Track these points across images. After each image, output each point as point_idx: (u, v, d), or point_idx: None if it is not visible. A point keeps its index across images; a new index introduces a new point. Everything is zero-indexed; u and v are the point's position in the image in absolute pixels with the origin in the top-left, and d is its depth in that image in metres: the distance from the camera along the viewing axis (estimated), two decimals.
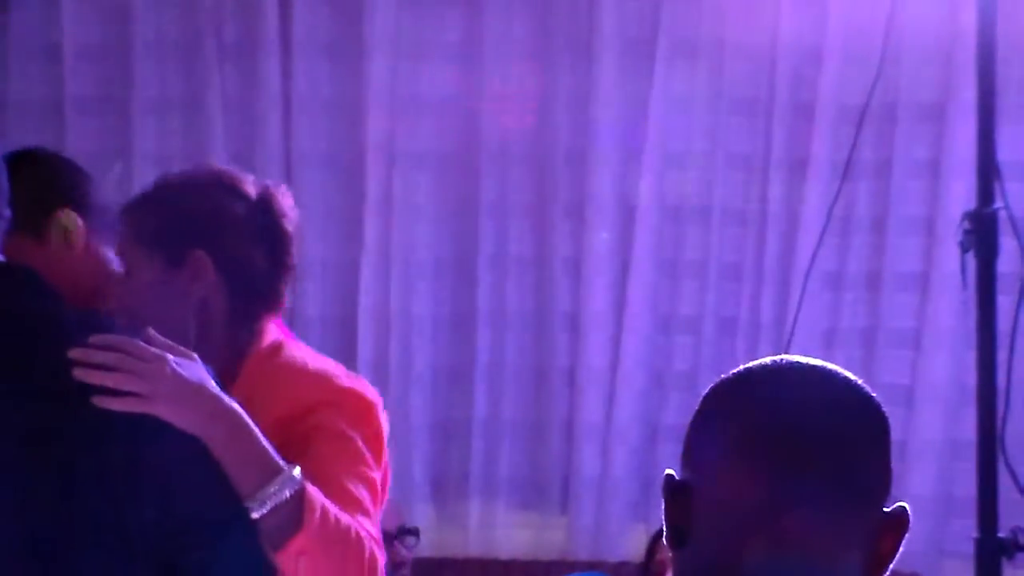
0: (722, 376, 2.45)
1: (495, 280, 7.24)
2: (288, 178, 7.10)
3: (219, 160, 6.61)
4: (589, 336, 7.01)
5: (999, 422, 5.23)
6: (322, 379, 3.99)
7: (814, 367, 2.47)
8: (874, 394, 2.35)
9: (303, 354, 4.11)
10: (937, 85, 6.70)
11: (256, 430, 3.58)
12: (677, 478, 2.43)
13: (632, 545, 6.25)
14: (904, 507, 2.33)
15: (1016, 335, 5.33)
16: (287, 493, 3.51)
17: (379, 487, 4.01)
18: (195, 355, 3.52)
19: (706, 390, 2.42)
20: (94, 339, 3.33)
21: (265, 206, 4.15)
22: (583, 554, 6.49)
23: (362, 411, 3.99)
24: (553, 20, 7.19)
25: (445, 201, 7.16)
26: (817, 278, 6.67)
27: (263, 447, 3.53)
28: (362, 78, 7.28)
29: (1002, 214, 5.25)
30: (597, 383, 7.11)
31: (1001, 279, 5.30)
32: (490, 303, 7.20)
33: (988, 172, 5.28)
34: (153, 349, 3.41)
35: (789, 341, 6.34)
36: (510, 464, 6.41)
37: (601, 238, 7.07)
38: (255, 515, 3.45)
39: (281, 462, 3.55)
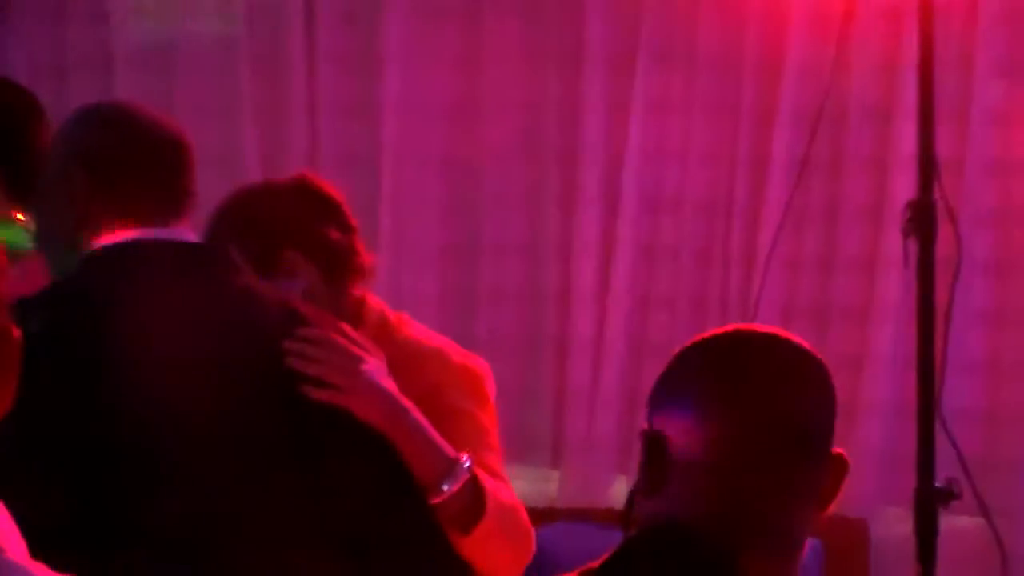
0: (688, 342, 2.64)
1: (495, 262, 7.28)
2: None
3: (250, 160, 6.89)
4: (578, 311, 7.03)
5: (936, 386, 5.34)
6: (440, 359, 4.10)
7: (765, 334, 2.68)
8: (819, 356, 2.57)
9: (416, 332, 4.20)
10: (883, 90, 6.68)
11: (428, 425, 3.64)
12: (654, 430, 2.56)
13: (616, 495, 6.27)
14: (843, 454, 2.55)
15: (951, 310, 5.38)
16: (461, 481, 3.58)
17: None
18: (381, 353, 3.63)
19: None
20: (303, 332, 3.47)
21: (313, 185, 4.29)
22: (572, 503, 6.54)
23: (477, 385, 4.11)
24: (543, 32, 7.19)
25: (450, 195, 7.21)
26: (777, 261, 6.72)
27: (436, 441, 3.59)
28: (378, 86, 7.31)
29: (939, 204, 5.33)
30: (584, 352, 7.14)
31: (938, 262, 5.36)
32: (489, 282, 7.22)
33: (927, 167, 5.36)
34: (352, 348, 3.53)
35: (753, 317, 6.33)
36: (506, 423, 6.50)
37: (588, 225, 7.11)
38: (435, 502, 3.54)
39: (452, 453, 3.62)
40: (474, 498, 3.64)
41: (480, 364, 4.24)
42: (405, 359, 4.02)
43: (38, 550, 2.21)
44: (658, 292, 6.95)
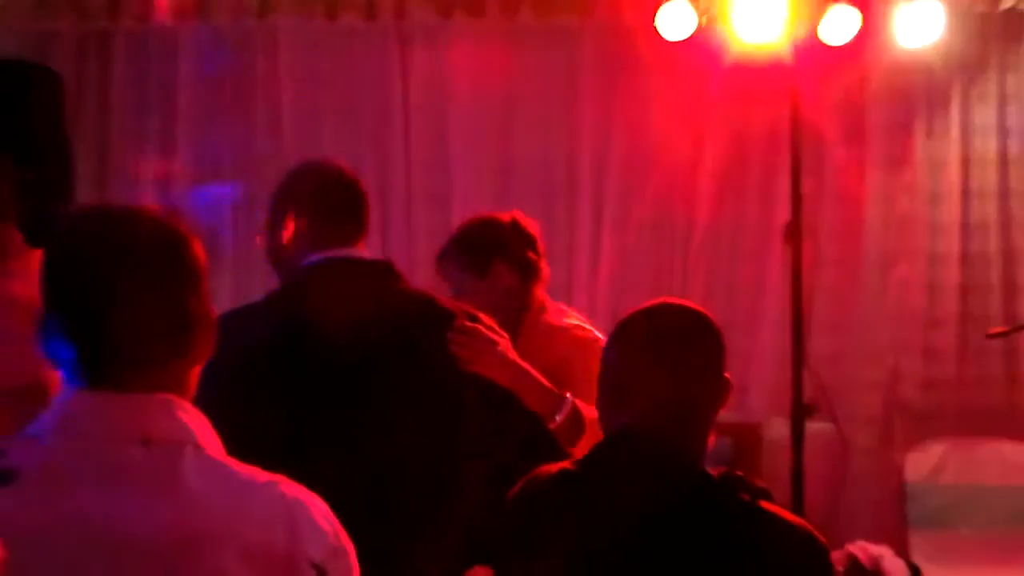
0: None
1: None
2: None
3: None
4: (576, 286, 7.43)
5: (803, 339, 6.18)
6: (568, 335, 4.56)
7: (684, 305, 3.17)
8: (716, 321, 3.09)
9: (556, 314, 4.68)
10: (768, 153, 7.19)
11: (541, 378, 4.00)
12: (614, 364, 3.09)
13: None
14: (728, 378, 3.06)
15: (801, 298, 6.11)
16: (566, 413, 3.97)
17: None
18: (505, 335, 3.95)
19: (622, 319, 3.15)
20: (458, 324, 3.81)
21: (521, 220, 4.74)
22: None
23: (594, 352, 3.99)
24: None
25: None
26: (704, 256, 7.45)
27: (547, 388, 3.96)
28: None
29: (804, 223, 6.16)
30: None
31: (805, 259, 6.17)
32: None
33: (797, 201, 6.15)
34: (487, 333, 3.85)
35: (683, 294, 6.85)
36: None
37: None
38: (551, 427, 3.98)
39: (558, 393, 3.99)
40: (576, 422, 3.97)
41: (594, 334, 4.58)
42: (545, 336, 4.57)
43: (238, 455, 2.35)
44: (630, 274, 7.39)
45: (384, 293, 3.77)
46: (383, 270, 3.83)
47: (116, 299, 2.23)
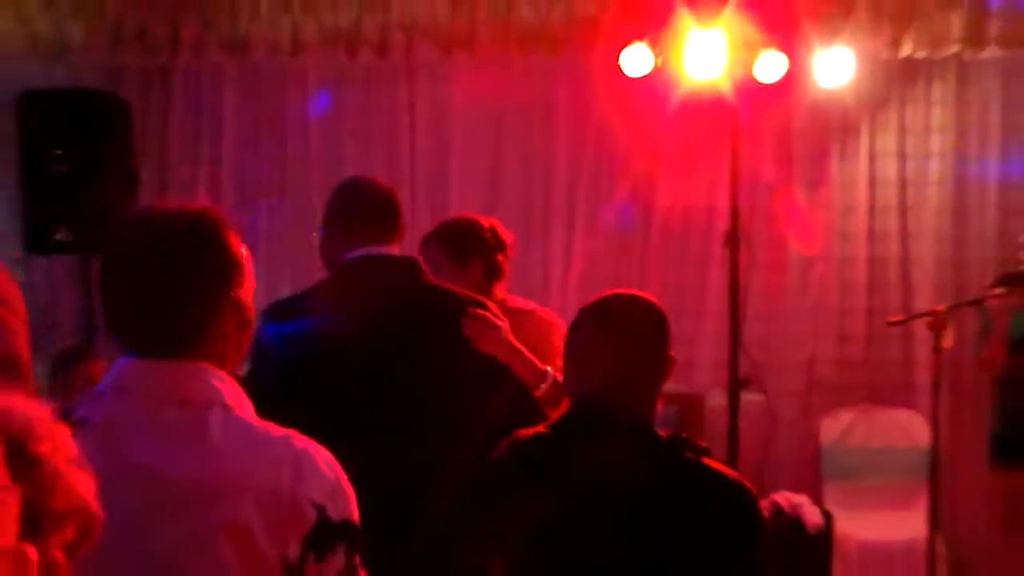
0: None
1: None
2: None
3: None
4: (552, 284, 7.36)
5: (739, 325, 6.20)
6: (532, 318, 4.62)
7: (637, 295, 3.17)
8: (662, 308, 3.09)
9: (515, 303, 4.68)
10: (709, 176, 7.01)
11: (530, 356, 3.98)
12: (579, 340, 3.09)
13: None
14: (673, 355, 3.08)
15: (737, 293, 6.15)
16: (549, 384, 3.94)
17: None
18: (505, 320, 3.91)
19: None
20: (470, 311, 3.83)
21: (497, 227, 4.77)
22: None
23: (554, 330, 4.56)
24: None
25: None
26: (655, 260, 7.41)
27: (535, 364, 3.94)
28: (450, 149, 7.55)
29: (741, 232, 6.16)
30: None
31: (742, 261, 6.17)
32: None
33: (735, 213, 6.15)
34: (491, 319, 3.84)
35: (642, 287, 6.96)
36: None
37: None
38: (537, 395, 3.96)
39: (542, 368, 3.97)
40: (556, 391, 3.84)
41: (554, 316, 4.75)
42: (512, 320, 4.30)
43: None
44: (596, 279, 7.11)
45: (409, 283, 3.81)
46: (409, 265, 3.87)
47: (156, 288, 2.25)
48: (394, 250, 3.88)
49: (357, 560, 2.25)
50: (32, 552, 1.04)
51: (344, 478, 2.26)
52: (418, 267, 3.92)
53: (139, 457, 2.16)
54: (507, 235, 4.83)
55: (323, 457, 2.24)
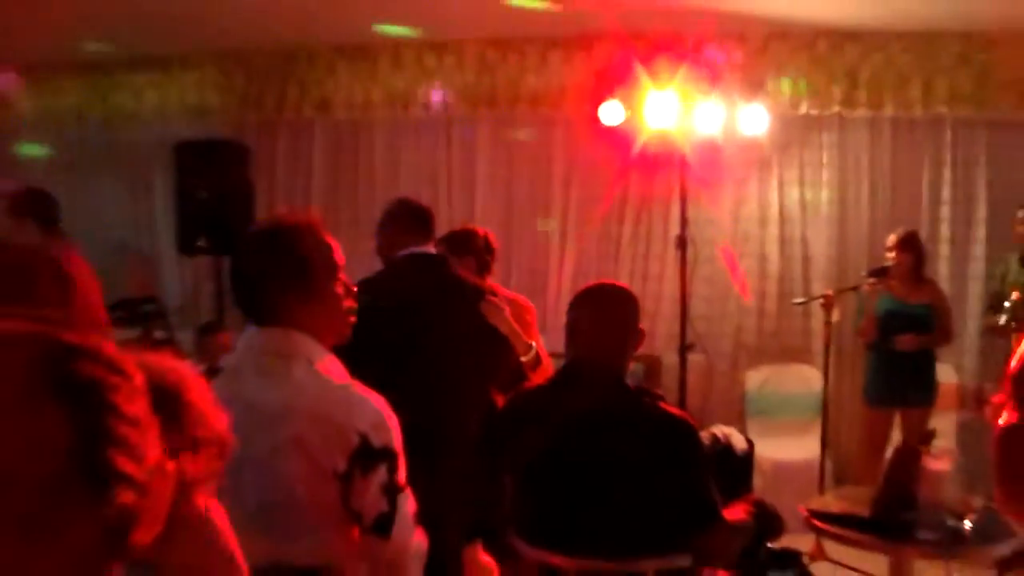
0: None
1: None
2: None
3: None
4: (550, 274, 7.32)
5: (686, 307, 6.16)
6: (515, 303, 4.38)
7: (615, 284, 3.24)
8: (634, 294, 3.14)
9: (501, 291, 4.37)
10: (665, 194, 7.04)
11: (520, 331, 3.90)
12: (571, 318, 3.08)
13: None
14: (643, 328, 3.07)
15: (685, 281, 6.12)
16: (533, 353, 3.91)
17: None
18: (506, 303, 3.83)
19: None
20: (486, 297, 3.78)
21: (489, 237, 4.74)
22: None
23: (528, 312, 4.59)
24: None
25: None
26: (625, 257, 7.36)
27: (522, 337, 3.90)
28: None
29: (688, 236, 6.15)
30: (554, 297, 7.27)
31: (688, 259, 6.15)
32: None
33: (684, 222, 6.11)
34: (497, 302, 3.76)
35: (616, 277, 6.66)
36: None
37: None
38: (523, 359, 3.89)
39: (528, 342, 3.92)
40: (535, 360, 3.95)
41: (527, 302, 4.68)
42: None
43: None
44: (583, 272, 7.16)
45: (441, 275, 3.78)
46: (440, 261, 3.84)
47: (263, 279, 2.31)
48: (430, 249, 3.84)
49: (398, 478, 2.23)
50: (171, 465, 0.96)
51: (389, 416, 2.24)
52: (447, 262, 3.89)
53: (245, 392, 2.21)
54: (496, 243, 4.80)
55: (375, 400, 2.24)
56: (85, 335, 0.94)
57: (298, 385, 2.23)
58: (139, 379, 0.96)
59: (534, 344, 3.98)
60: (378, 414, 2.22)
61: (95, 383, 0.91)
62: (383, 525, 2.23)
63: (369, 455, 2.19)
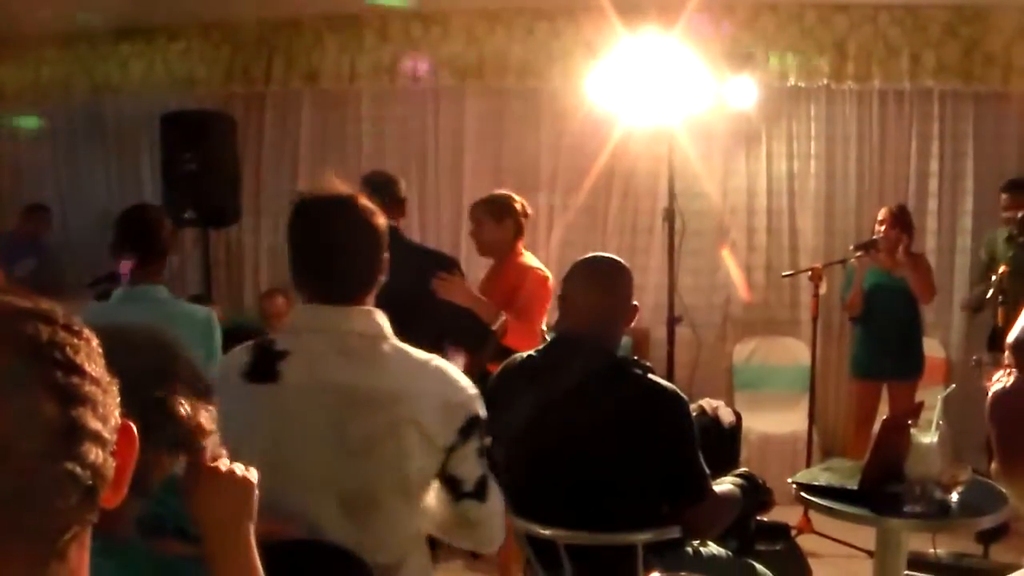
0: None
1: None
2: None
3: None
4: (539, 251, 6.77)
5: (673, 279, 6.01)
6: (531, 273, 4.64)
7: (609, 256, 3.23)
8: (627, 266, 3.11)
9: (524, 259, 4.74)
10: (654, 167, 7.04)
11: (488, 302, 4.20)
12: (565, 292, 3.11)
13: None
14: (636, 304, 3.10)
15: (675, 258, 5.96)
16: (500, 322, 4.20)
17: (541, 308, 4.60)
18: (464, 276, 4.18)
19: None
20: (440, 273, 4.14)
21: (523, 203, 4.85)
22: None
23: (540, 283, 4.65)
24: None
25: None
26: (615, 231, 7.39)
27: (491, 307, 4.16)
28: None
29: (675, 210, 5.92)
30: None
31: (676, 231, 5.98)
32: None
33: (671, 195, 5.95)
34: (455, 277, 4.07)
35: (604, 250, 6.81)
36: None
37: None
38: (493, 327, 4.21)
39: (497, 311, 4.18)
40: (504, 328, 4.22)
41: (544, 272, 4.73)
42: (516, 270, 4.64)
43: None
44: (570, 244, 7.15)
45: (408, 247, 3.95)
46: (393, 229, 3.63)
47: (337, 255, 2.28)
48: (398, 224, 3.98)
49: (485, 441, 2.33)
50: (131, 425, 0.94)
51: (472, 384, 2.33)
52: (400, 233, 3.97)
53: (334, 375, 2.20)
54: (530, 210, 4.98)
55: (455, 370, 2.33)
56: (35, 299, 0.92)
57: (392, 364, 2.24)
58: (95, 340, 0.94)
59: (503, 314, 4.14)
60: (470, 384, 2.32)
61: (56, 344, 0.90)
62: (481, 489, 2.32)
63: (473, 424, 2.27)
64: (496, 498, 2.37)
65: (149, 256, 3.74)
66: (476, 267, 5.07)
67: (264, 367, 2.24)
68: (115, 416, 0.93)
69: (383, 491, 2.22)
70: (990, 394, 1.15)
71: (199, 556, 1.59)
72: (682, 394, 3.02)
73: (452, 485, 2.29)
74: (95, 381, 0.91)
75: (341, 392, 2.19)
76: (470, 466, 2.29)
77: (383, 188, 4.46)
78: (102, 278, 4.44)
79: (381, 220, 2.35)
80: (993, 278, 5.44)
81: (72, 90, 7.94)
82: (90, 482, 0.89)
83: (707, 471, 3.01)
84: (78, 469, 0.87)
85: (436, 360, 2.31)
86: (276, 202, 7.34)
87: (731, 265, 7.30)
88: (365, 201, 2.33)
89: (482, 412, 2.32)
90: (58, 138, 8.11)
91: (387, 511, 2.23)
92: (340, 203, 2.31)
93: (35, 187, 8.09)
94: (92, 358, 0.92)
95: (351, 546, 2.14)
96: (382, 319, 2.31)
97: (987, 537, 5.08)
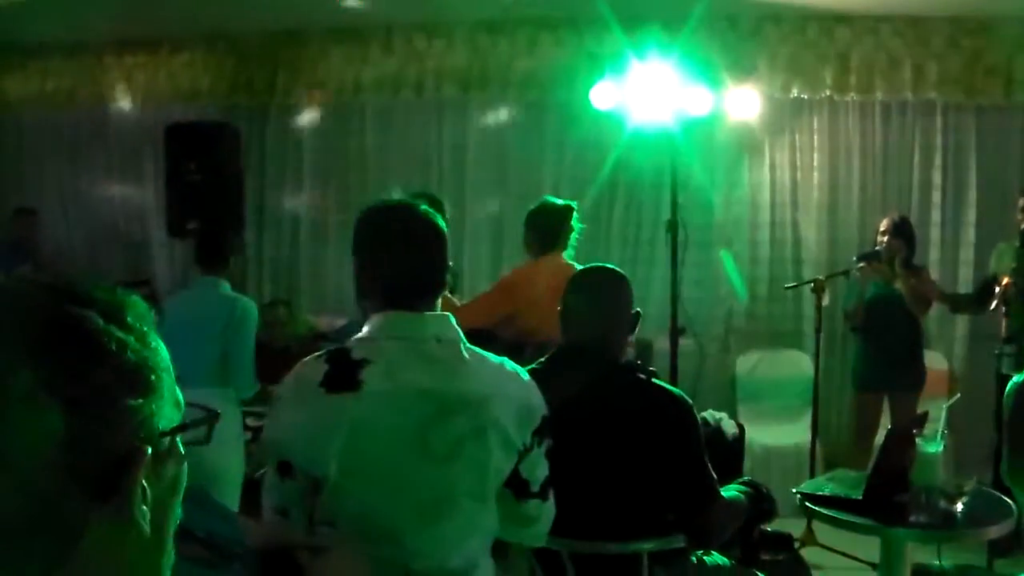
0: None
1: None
2: None
3: None
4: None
5: (675, 286, 5.90)
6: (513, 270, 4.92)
7: (607, 266, 3.20)
8: (627, 277, 3.09)
9: (530, 262, 4.99)
10: (657, 179, 7.01)
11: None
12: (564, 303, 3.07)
13: None
14: (639, 311, 3.08)
15: (677, 266, 5.82)
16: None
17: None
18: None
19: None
20: None
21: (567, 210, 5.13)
22: None
23: (505, 280, 5.00)
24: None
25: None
26: (619, 240, 7.41)
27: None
28: None
29: (678, 220, 5.81)
30: None
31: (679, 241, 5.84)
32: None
33: (674, 206, 5.86)
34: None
35: (608, 259, 6.86)
36: None
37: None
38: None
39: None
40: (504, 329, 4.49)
41: (518, 275, 4.98)
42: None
43: None
44: (578, 253, 6.36)
45: None
46: None
47: (418, 263, 2.29)
48: None
49: (550, 439, 2.35)
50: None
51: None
52: None
53: (419, 381, 2.20)
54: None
55: (525, 373, 2.37)
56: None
57: (474, 369, 2.27)
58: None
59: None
60: (537, 386, 2.37)
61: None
62: (546, 489, 2.36)
63: (545, 426, 2.31)
64: (552, 495, 2.41)
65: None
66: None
67: (344, 376, 2.21)
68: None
69: (461, 495, 2.22)
70: (1010, 384, 1.14)
71: (215, 562, 1.53)
72: (687, 397, 3.01)
73: (519, 486, 2.31)
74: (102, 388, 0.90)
75: (427, 397, 2.20)
76: (539, 468, 2.33)
77: (436, 206, 4.45)
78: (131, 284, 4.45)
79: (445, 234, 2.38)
80: (997, 290, 5.41)
81: (77, 100, 7.95)
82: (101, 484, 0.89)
83: (715, 475, 2.99)
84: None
85: (509, 363, 2.34)
86: (279, 213, 7.35)
87: (729, 266, 7.26)
88: (428, 208, 2.36)
89: (547, 413, 2.36)
90: (62, 149, 8.11)
91: (463, 514, 2.23)
92: (412, 210, 2.34)
93: (37, 196, 8.09)
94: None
95: (426, 551, 2.17)
96: (456, 324, 2.32)
97: (996, 548, 5.02)
